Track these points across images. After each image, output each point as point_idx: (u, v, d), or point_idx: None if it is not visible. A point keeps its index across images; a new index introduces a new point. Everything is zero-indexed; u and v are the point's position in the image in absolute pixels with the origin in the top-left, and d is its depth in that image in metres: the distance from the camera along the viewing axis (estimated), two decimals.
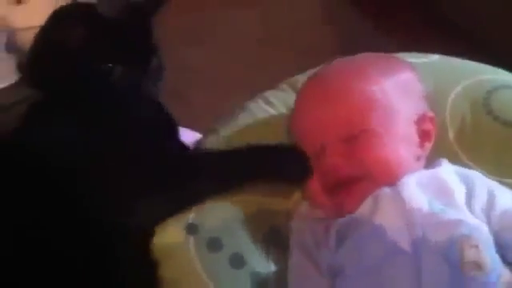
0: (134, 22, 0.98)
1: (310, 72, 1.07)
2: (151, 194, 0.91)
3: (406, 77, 1.00)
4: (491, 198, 0.91)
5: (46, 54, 0.98)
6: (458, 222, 0.87)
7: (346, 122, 0.94)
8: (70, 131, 0.93)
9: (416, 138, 0.97)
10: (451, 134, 1.02)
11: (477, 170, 0.99)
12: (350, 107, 0.95)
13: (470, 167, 1.00)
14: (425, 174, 0.94)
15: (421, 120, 0.98)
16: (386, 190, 0.91)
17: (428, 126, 0.98)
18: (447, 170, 0.95)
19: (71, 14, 1.01)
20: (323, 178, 0.94)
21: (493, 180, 0.98)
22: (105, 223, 0.89)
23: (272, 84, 1.11)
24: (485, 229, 0.87)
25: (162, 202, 0.92)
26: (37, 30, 1.37)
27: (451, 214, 0.88)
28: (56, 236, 0.88)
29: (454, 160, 0.99)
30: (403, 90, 0.98)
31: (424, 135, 0.97)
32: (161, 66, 1.00)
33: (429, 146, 0.98)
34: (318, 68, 1.06)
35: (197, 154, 0.99)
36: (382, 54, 1.04)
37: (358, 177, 0.92)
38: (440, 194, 0.90)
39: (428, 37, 1.59)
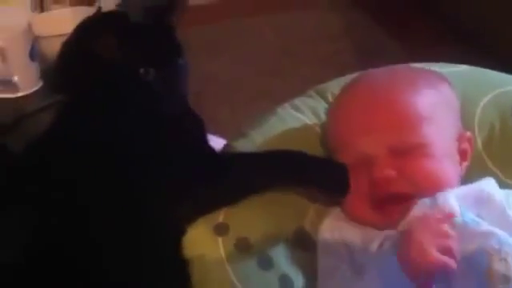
0: (158, 25, 0.99)
1: (340, 80, 1.07)
2: (187, 194, 0.91)
3: (448, 93, 0.99)
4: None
5: (78, 60, 0.99)
6: (489, 234, 0.86)
7: (398, 132, 0.92)
8: (106, 132, 0.93)
9: (457, 157, 0.97)
10: (479, 143, 1.02)
11: (503, 179, 1.00)
12: (403, 118, 0.93)
13: (496, 175, 1.00)
14: (465, 187, 0.93)
15: (460, 138, 0.98)
16: (426, 200, 0.90)
17: (466, 146, 0.98)
18: (490, 183, 0.94)
19: (101, 22, 1.02)
20: (369, 190, 0.92)
21: None
22: (143, 220, 0.90)
23: (291, 94, 1.12)
24: None
25: (197, 200, 0.92)
26: (61, 38, 1.39)
27: (484, 226, 0.87)
28: (93, 235, 0.89)
29: (481, 168, 1.00)
30: (447, 105, 0.98)
31: (462, 154, 0.97)
32: (187, 65, 1.01)
33: (465, 165, 0.98)
34: (344, 77, 1.06)
35: (233, 155, 1.00)
36: (420, 67, 1.05)
37: (409, 193, 0.91)
38: (477, 205, 0.90)
39: (446, 47, 1.60)
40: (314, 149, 1.01)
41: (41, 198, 0.90)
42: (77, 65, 0.98)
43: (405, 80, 0.98)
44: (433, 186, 0.91)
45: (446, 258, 0.81)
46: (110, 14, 1.07)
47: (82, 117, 0.96)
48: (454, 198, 0.90)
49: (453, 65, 1.11)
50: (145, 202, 0.90)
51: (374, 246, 0.90)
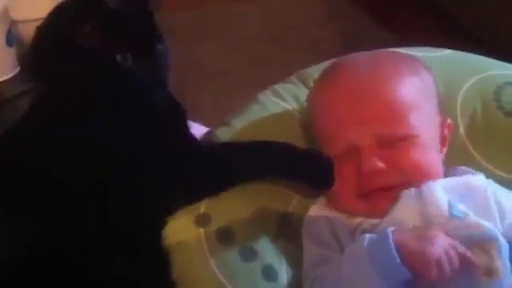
0: (135, 11, 0.97)
1: (321, 66, 1.06)
2: (170, 185, 0.90)
3: (430, 80, 0.98)
4: (501, 209, 0.90)
5: (53, 46, 0.97)
6: (475, 227, 0.86)
7: (386, 123, 0.91)
8: (84, 123, 0.91)
9: (438, 144, 0.96)
10: (462, 129, 1.02)
11: (486, 165, 0.99)
12: (391, 108, 0.92)
13: (478, 162, 1.01)
14: (451, 179, 0.93)
15: (441, 125, 0.97)
16: (412, 191, 0.90)
17: (446, 133, 0.98)
18: (478, 178, 0.94)
19: (77, 7, 1.00)
20: (356, 180, 0.91)
21: (501, 175, 0.99)
22: (122, 213, 0.89)
23: (275, 80, 1.10)
24: (502, 238, 0.87)
25: (181, 190, 0.91)
26: (38, 23, 1.36)
27: (471, 218, 0.87)
28: (72, 224, 0.88)
29: (464, 153, 1.00)
30: (430, 93, 0.97)
31: (442, 141, 0.97)
32: (167, 51, 0.99)
33: (444, 151, 0.98)
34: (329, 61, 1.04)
35: (217, 145, 0.98)
36: (400, 52, 1.03)
37: (397, 184, 0.90)
38: (463, 196, 0.90)
39: (432, 33, 1.59)
40: (296, 136, 1.01)
41: (14, 191, 0.89)
42: (52, 51, 0.96)
43: (389, 67, 0.97)
44: (422, 177, 0.91)
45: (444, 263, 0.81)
46: None
47: (59, 106, 0.94)
48: (442, 190, 0.89)
49: (435, 49, 1.10)
50: (126, 193, 0.89)
51: (358, 233, 0.90)
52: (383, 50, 1.04)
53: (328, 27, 1.74)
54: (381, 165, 0.90)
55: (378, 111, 0.92)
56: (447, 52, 1.10)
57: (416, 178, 0.90)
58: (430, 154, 0.93)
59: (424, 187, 0.89)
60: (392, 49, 1.07)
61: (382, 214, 0.90)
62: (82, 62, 0.93)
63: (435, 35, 1.56)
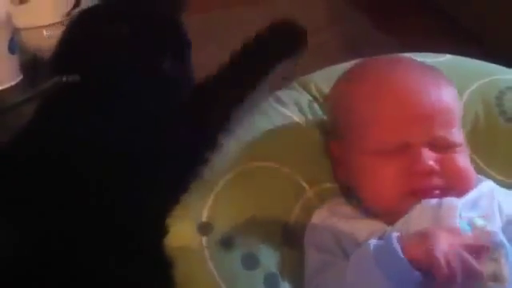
0: (166, 15, 1.01)
1: (321, 72, 1.06)
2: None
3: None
4: (500, 209, 0.91)
5: (87, 42, 0.97)
6: (482, 234, 0.86)
7: (443, 124, 0.92)
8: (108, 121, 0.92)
9: None
10: (464, 133, 1.01)
11: (487, 170, 1.00)
12: (448, 111, 0.93)
13: (480, 167, 1.01)
14: (470, 194, 0.92)
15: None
16: (432, 201, 0.89)
17: None
18: (487, 185, 0.95)
19: (113, 8, 1.01)
20: (404, 180, 0.90)
21: (504, 181, 1.00)
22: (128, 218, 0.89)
23: (278, 84, 1.10)
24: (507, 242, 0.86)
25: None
26: (40, 30, 1.37)
27: (479, 228, 0.87)
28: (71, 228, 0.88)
29: None
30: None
31: None
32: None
33: None
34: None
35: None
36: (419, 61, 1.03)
37: (443, 188, 0.90)
38: (475, 207, 0.90)
39: (432, 38, 1.58)
40: (299, 141, 1.00)
41: (25, 193, 0.89)
42: (84, 49, 0.97)
43: (438, 74, 0.98)
44: (465, 185, 0.92)
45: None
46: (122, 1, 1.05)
47: (80, 103, 0.94)
48: (460, 206, 0.89)
49: (436, 54, 1.10)
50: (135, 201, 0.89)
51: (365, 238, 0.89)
52: (399, 55, 1.04)
53: (330, 31, 1.74)
54: (436, 166, 0.90)
55: (438, 113, 0.92)
56: (448, 57, 1.10)
57: (460, 185, 0.91)
58: (470, 165, 0.94)
59: (445, 200, 0.89)
60: (394, 54, 1.07)
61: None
62: (114, 62, 0.95)
63: (435, 37, 1.56)
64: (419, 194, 0.90)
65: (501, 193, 0.94)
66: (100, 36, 0.96)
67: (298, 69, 1.13)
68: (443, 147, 0.92)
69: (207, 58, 1.63)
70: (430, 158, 0.90)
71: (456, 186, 0.91)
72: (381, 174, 0.92)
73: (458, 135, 0.94)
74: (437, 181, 0.90)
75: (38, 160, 0.91)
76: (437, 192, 0.90)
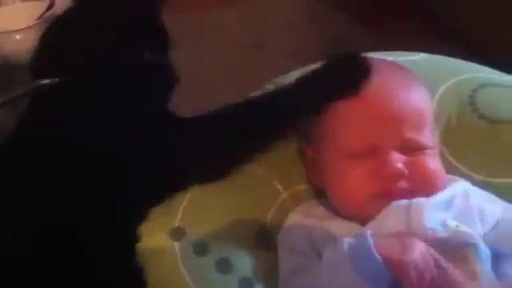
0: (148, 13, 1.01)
1: (296, 73, 1.05)
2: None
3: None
4: (482, 213, 0.91)
5: (66, 45, 0.98)
6: (455, 235, 0.86)
7: (414, 127, 0.91)
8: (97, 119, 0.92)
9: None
10: (437, 133, 1.01)
11: (459, 168, 1.00)
12: (419, 113, 0.93)
13: (454, 165, 1.00)
14: (441, 195, 0.92)
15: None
16: (403, 202, 0.89)
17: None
18: (461, 185, 0.94)
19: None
20: (373, 182, 0.90)
21: (477, 178, 0.99)
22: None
23: (257, 86, 1.09)
24: (481, 242, 0.86)
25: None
26: (14, 34, 1.36)
27: (451, 228, 0.87)
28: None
29: (440, 159, 0.98)
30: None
31: None
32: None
33: None
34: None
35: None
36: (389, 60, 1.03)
37: (411, 191, 0.90)
38: (448, 208, 0.90)
39: (415, 38, 1.58)
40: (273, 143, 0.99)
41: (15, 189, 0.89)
42: (64, 52, 0.97)
43: (409, 75, 0.97)
44: (434, 187, 0.91)
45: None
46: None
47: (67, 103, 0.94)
48: (430, 207, 0.89)
49: (410, 53, 1.09)
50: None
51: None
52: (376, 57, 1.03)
53: (308, 31, 1.74)
54: (404, 169, 0.90)
55: (408, 115, 0.92)
56: (421, 56, 1.09)
57: (428, 187, 0.91)
58: (440, 167, 0.94)
59: (415, 200, 0.89)
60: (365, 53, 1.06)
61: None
62: (99, 56, 0.95)
63: (417, 36, 1.56)
64: (388, 196, 0.90)
65: (478, 195, 0.94)
66: (79, 36, 0.96)
67: (279, 68, 1.13)
68: (413, 149, 0.92)
69: (183, 60, 1.63)
70: (398, 160, 0.90)
71: (424, 188, 0.91)
72: (350, 176, 0.92)
73: (428, 137, 0.94)
74: (405, 184, 0.90)
75: (24, 163, 0.91)
76: (405, 194, 0.90)
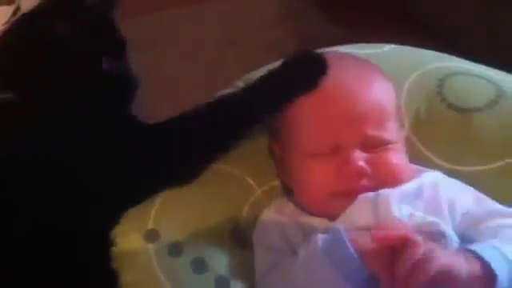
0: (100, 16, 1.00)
1: (265, 69, 1.06)
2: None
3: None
4: (451, 203, 0.91)
5: (24, 51, 0.97)
6: (422, 224, 0.86)
7: (375, 124, 0.91)
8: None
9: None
10: (407, 124, 1.02)
11: (429, 156, 1.00)
12: (379, 109, 0.92)
13: (424, 154, 1.01)
14: (408, 185, 0.92)
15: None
16: (370, 194, 0.89)
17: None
18: (431, 175, 0.95)
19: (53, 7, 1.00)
20: (334, 180, 0.90)
21: (447, 167, 1.00)
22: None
23: (233, 83, 1.09)
24: (450, 232, 0.87)
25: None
26: None
27: (418, 217, 0.87)
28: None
29: (413, 151, 1.00)
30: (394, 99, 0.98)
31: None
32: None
33: None
34: None
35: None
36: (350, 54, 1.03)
37: (373, 187, 0.90)
38: (417, 198, 0.90)
39: (388, 32, 1.58)
40: (244, 140, 0.99)
41: None
42: (24, 56, 0.96)
43: (370, 69, 0.97)
44: (397, 182, 0.91)
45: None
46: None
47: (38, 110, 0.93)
48: (397, 197, 0.89)
49: (375, 45, 1.09)
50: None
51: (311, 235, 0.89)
52: (335, 51, 1.04)
53: (283, 27, 1.73)
54: (366, 167, 0.90)
55: (369, 112, 0.92)
56: (387, 47, 1.09)
57: (391, 183, 0.91)
58: (404, 160, 0.94)
59: (381, 192, 0.89)
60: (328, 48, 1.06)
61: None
62: (55, 64, 0.95)
63: (391, 31, 1.56)
64: (350, 194, 0.90)
65: (448, 185, 0.94)
66: (27, 50, 0.95)
67: (254, 65, 1.13)
68: (375, 146, 0.92)
69: (158, 59, 1.63)
70: (359, 158, 0.90)
71: (387, 184, 0.90)
72: (312, 175, 0.92)
73: (391, 131, 0.93)
74: (367, 181, 0.90)
75: None
76: (368, 192, 0.90)
